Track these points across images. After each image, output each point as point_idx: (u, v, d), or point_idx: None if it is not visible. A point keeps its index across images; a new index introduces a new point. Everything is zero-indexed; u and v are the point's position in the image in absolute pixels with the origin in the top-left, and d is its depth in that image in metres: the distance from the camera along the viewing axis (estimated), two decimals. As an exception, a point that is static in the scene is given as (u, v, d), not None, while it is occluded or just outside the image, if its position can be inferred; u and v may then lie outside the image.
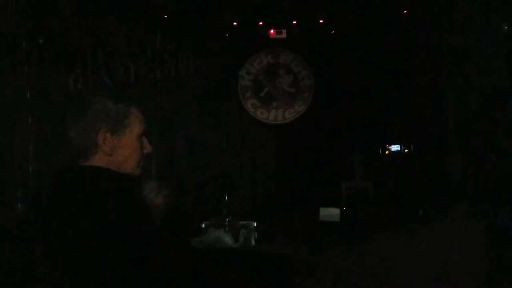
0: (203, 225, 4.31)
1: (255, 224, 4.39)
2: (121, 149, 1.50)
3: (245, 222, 4.46)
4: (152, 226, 1.43)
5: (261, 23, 7.27)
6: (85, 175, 1.43)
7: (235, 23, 7.25)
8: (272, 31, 7.38)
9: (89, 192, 1.37)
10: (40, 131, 4.96)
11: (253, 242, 3.99)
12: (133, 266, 1.30)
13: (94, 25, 5.70)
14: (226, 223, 4.29)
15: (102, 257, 1.28)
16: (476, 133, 5.92)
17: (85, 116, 1.46)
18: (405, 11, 6.76)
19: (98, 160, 1.47)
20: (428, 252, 3.23)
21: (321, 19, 7.12)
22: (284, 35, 7.37)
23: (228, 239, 3.92)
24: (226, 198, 4.75)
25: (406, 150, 6.89)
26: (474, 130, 5.95)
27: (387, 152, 6.98)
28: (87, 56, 5.71)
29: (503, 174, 5.43)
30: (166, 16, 6.79)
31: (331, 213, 6.07)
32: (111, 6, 5.99)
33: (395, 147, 6.93)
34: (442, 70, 6.42)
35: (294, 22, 7.25)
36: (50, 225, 1.38)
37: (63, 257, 1.31)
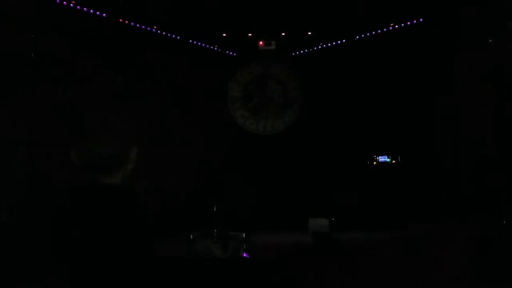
0: (192, 236, 4.32)
1: (244, 234, 4.40)
2: (133, 162, 1.51)
3: (234, 233, 4.46)
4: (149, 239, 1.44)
5: (250, 34, 7.33)
6: (119, 194, 1.41)
7: (224, 35, 7.30)
8: (261, 42, 7.45)
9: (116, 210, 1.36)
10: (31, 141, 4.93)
11: (242, 253, 3.99)
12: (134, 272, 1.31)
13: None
14: (215, 233, 4.30)
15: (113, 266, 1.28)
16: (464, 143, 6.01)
17: (113, 133, 1.44)
18: (391, 24, 6.87)
19: (122, 176, 1.46)
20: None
21: (309, 31, 7.21)
22: (273, 47, 7.45)
23: (217, 250, 3.92)
24: (215, 208, 4.75)
25: (393, 161, 6.95)
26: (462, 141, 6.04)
27: (374, 163, 7.03)
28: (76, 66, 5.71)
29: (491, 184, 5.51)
30: (155, 27, 6.82)
31: (320, 223, 6.10)
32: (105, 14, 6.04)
33: (382, 158, 6.99)
34: (432, 81, 6.51)
35: (283, 34, 7.32)
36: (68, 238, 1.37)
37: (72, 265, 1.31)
